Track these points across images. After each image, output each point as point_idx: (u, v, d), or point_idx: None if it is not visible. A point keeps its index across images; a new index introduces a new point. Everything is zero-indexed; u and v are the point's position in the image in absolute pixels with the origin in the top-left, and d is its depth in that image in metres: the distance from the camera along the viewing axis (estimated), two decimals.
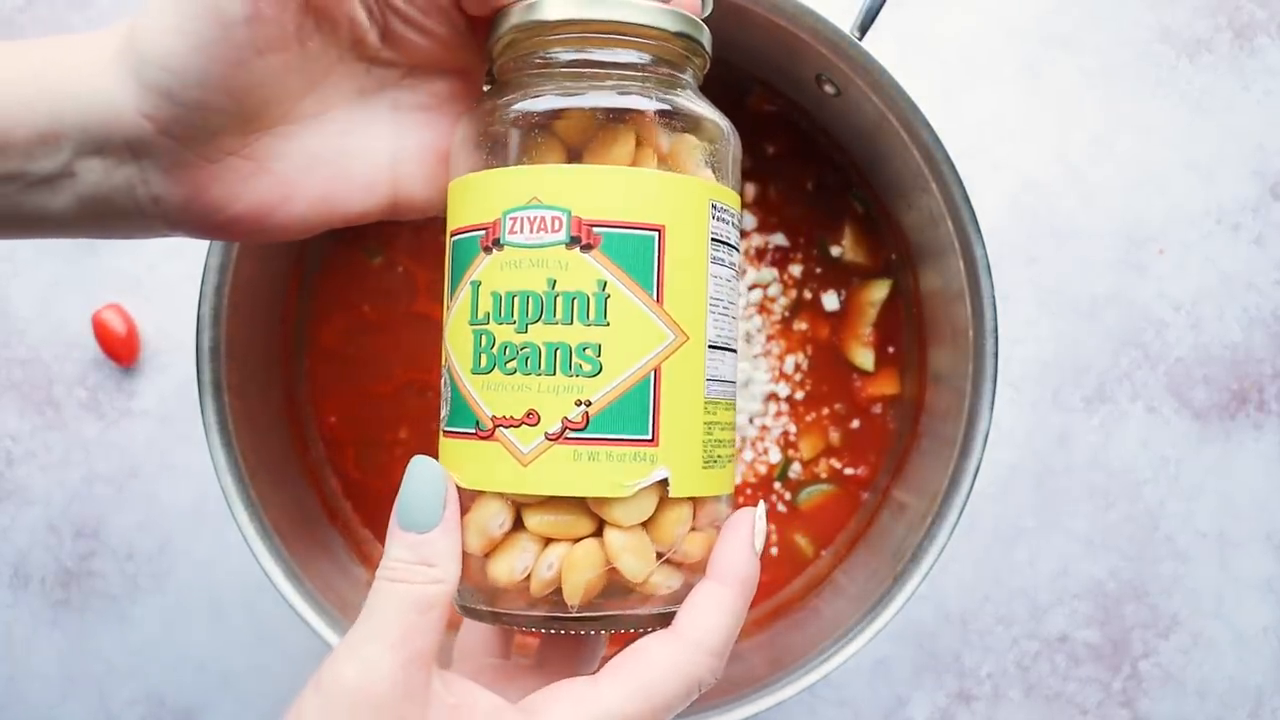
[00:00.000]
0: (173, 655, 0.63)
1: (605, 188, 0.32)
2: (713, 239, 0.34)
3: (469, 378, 0.33)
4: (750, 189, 0.58)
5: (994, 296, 0.48)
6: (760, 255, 0.59)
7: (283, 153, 0.35)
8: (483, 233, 0.33)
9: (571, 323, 0.32)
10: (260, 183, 0.35)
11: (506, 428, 0.33)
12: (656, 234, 0.33)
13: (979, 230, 0.48)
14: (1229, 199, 0.63)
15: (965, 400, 0.49)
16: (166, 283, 0.62)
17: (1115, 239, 0.63)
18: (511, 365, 0.32)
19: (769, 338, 0.59)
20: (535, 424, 0.32)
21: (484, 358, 0.33)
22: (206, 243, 0.48)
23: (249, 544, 0.48)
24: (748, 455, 0.59)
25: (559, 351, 0.32)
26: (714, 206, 0.34)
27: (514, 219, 0.33)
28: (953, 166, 0.47)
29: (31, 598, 0.63)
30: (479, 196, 0.33)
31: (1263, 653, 0.64)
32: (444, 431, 0.35)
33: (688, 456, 0.33)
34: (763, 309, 0.59)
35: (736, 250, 0.36)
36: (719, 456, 0.35)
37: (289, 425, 0.56)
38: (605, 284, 0.32)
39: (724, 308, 0.35)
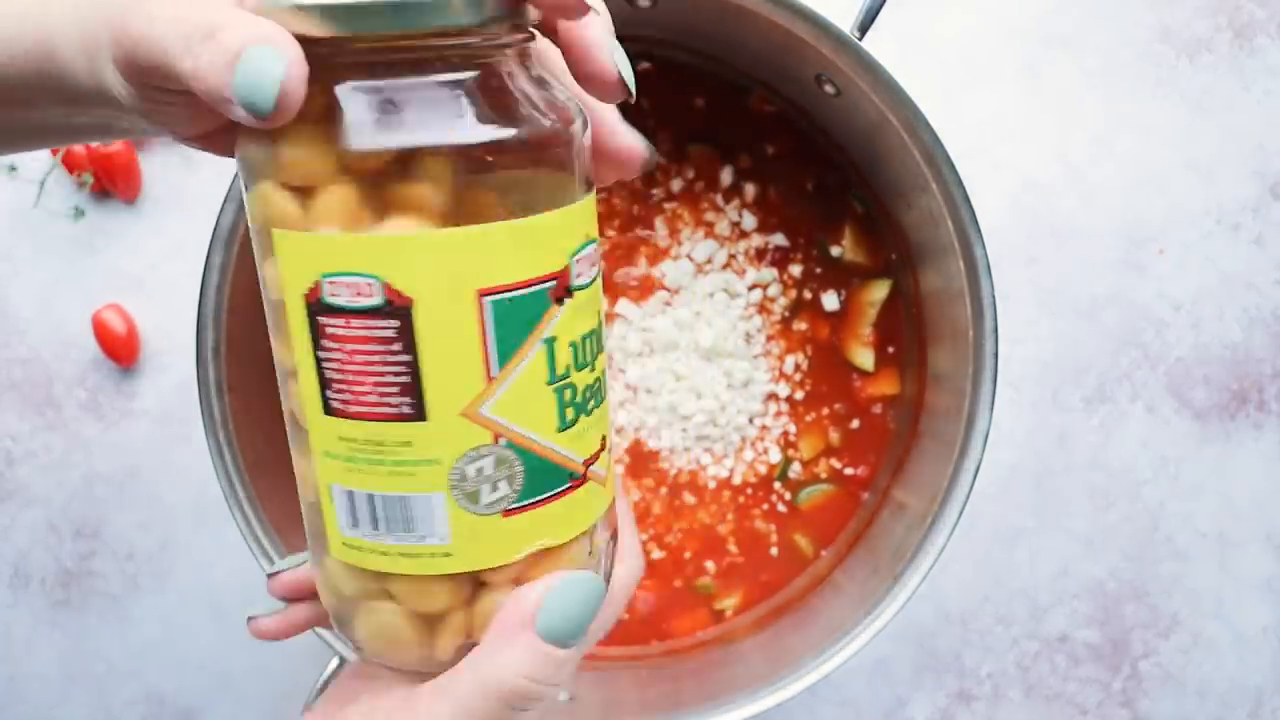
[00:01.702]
0: (173, 655, 0.63)
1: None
2: None
3: (554, 438, 0.31)
4: (750, 189, 0.58)
5: (994, 296, 0.48)
6: (760, 255, 0.59)
7: None
8: (552, 283, 0.30)
9: (601, 350, 0.32)
10: None
11: (592, 464, 0.32)
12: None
13: (979, 230, 0.48)
14: (1229, 199, 0.63)
15: (965, 400, 0.49)
16: (166, 283, 0.62)
17: (1115, 239, 0.63)
18: (591, 405, 0.31)
19: (769, 338, 0.59)
20: (605, 449, 0.32)
21: (569, 411, 0.31)
22: (207, 243, 0.48)
23: (249, 544, 0.48)
24: (748, 455, 0.59)
25: (604, 376, 0.32)
26: None
27: (579, 260, 0.30)
28: (953, 166, 0.47)
29: (31, 598, 0.63)
30: (542, 242, 0.29)
31: (1263, 653, 0.64)
32: (505, 512, 0.31)
33: None
34: (763, 309, 0.59)
35: None
36: None
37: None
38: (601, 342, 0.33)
39: None
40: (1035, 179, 0.63)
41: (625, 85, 0.30)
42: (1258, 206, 0.63)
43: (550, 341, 0.30)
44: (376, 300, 0.28)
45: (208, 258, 0.48)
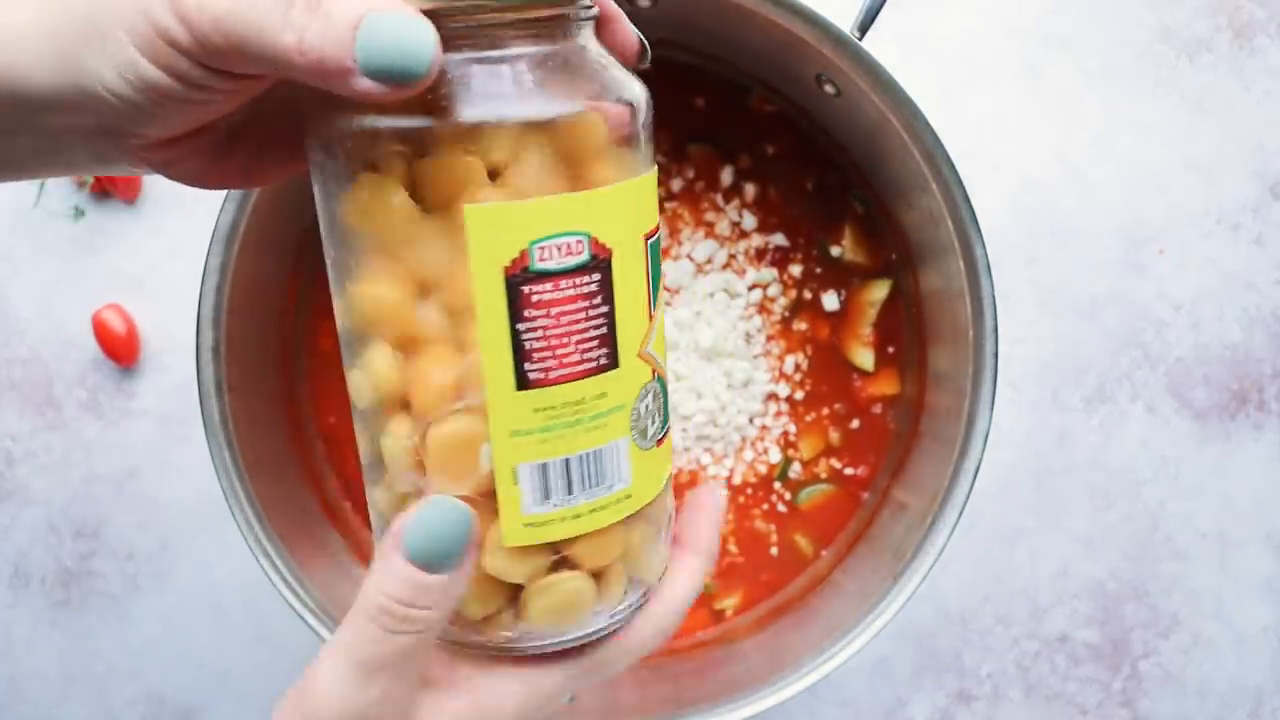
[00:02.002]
0: (173, 655, 0.63)
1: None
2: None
3: (666, 368, 0.33)
4: (750, 189, 0.58)
5: (994, 296, 0.48)
6: (760, 255, 0.59)
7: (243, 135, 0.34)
8: (660, 227, 0.33)
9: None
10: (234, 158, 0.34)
11: None
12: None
13: (979, 230, 0.48)
14: (1229, 199, 0.63)
15: (965, 400, 0.49)
16: (166, 283, 0.62)
17: (1115, 239, 0.63)
18: None
19: (769, 338, 0.59)
20: None
21: (666, 343, 0.34)
22: (207, 243, 0.48)
23: (249, 544, 0.48)
24: (748, 455, 0.59)
25: None
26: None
27: None
28: (953, 166, 0.47)
29: (31, 598, 0.63)
30: (651, 195, 0.32)
31: (1263, 653, 0.64)
32: (658, 441, 0.33)
33: None
34: (763, 309, 0.59)
35: None
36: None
37: (289, 425, 0.56)
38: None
39: None
40: (1035, 179, 0.63)
41: (647, 51, 0.33)
42: (1258, 206, 0.63)
43: (660, 280, 0.32)
44: (584, 256, 0.29)
45: (207, 258, 0.48)
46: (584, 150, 0.29)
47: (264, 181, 0.35)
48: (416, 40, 0.26)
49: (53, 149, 0.33)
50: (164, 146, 0.32)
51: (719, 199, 0.58)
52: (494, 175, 0.29)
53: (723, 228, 0.58)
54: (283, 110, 0.34)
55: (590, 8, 0.31)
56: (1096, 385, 0.63)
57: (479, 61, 0.28)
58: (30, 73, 0.30)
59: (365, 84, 0.27)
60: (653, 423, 0.32)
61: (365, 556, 0.57)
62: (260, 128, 0.34)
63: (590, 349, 0.29)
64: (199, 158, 0.33)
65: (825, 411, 0.59)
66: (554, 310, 0.29)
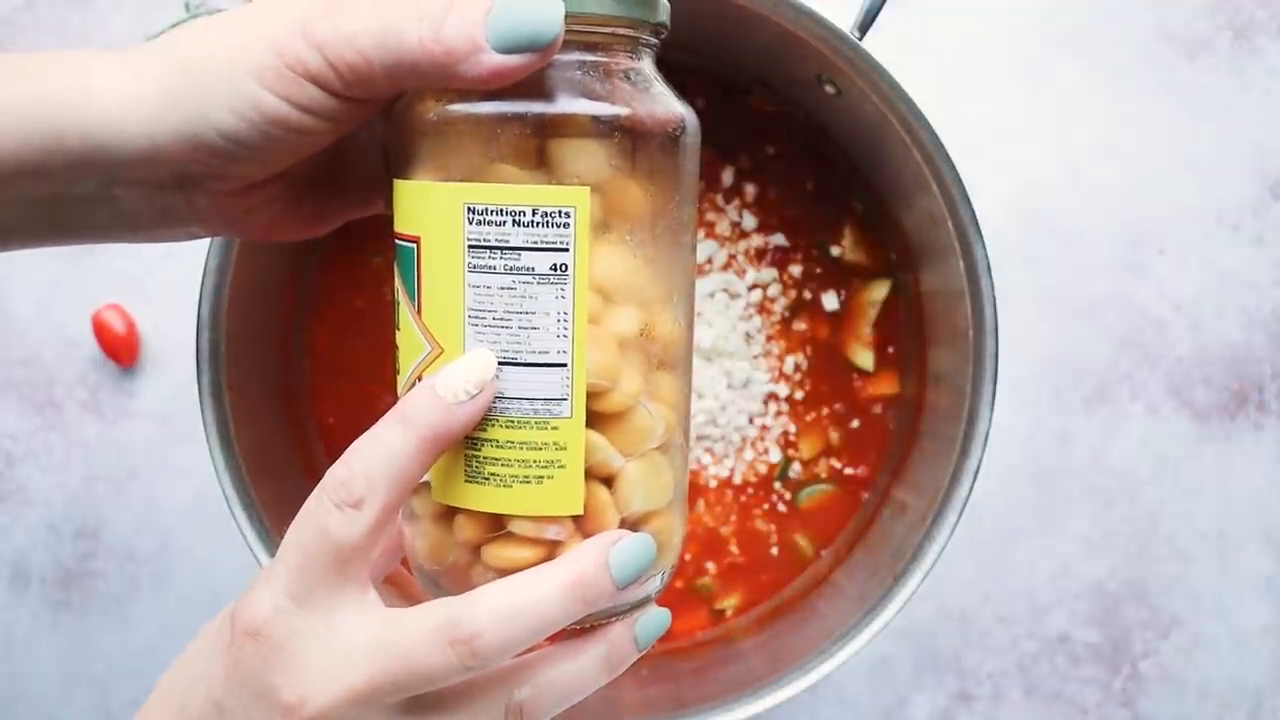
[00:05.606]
0: (172, 655, 0.62)
1: (397, 198, 0.34)
2: (472, 246, 0.32)
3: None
4: (750, 189, 0.58)
5: (994, 296, 0.48)
6: (760, 255, 0.59)
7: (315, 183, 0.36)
8: None
9: (399, 326, 0.34)
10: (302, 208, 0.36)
11: None
12: (415, 245, 0.33)
13: (979, 231, 0.48)
14: (1229, 199, 0.63)
15: (965, 400, 0.49)
16: (166, 283, 0.62)
17: (1115, 239, 0.63)
18: None
19: (769, 338, 0.59)
20: None
21: None
22: (206, 243, 0.48)
23: (249, 544, 0.48)
24: (748, 455, 0.59)
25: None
26: (470, 210, 0.32)
27: None
28: (953, 167, 0.47)
29: (31, 598, 0.63)
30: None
31: (1263, 653, 0.64)
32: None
33: (447, 467, 0.33)
34: (763, 309, 0.59)
35: (531, 251, 0.32)
36: (496, 474, 0.33)
37: (289, 425, 0.56)
38: (396, 292, 0.34)
39: (495, 319, 0.32)
40: (1036, 179, 0.63)
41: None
42: (1258, 206, 0.63)
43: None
44: None
45: (207, 258, 0.48)
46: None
47: (322, 229, 0.37)
48: (546, 6, 0.29)
49: (116, 206, 0.33)
50: (245, 194, 0.33)
51: (719, 199, 0.58)
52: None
53: (723, 228, 0.58)
54: (350, 154, 0.36)
55: (656, 37, 0.37)
56: (1096, 385, 0.63)
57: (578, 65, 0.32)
58: (123, 126, 0.30)
59: (495, 59, 0.29)
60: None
61: None
62: (329, 173, 0.36)
63: None
64: (273, 205, 0.34)
65: (825, 411, 0.59)
66: None
